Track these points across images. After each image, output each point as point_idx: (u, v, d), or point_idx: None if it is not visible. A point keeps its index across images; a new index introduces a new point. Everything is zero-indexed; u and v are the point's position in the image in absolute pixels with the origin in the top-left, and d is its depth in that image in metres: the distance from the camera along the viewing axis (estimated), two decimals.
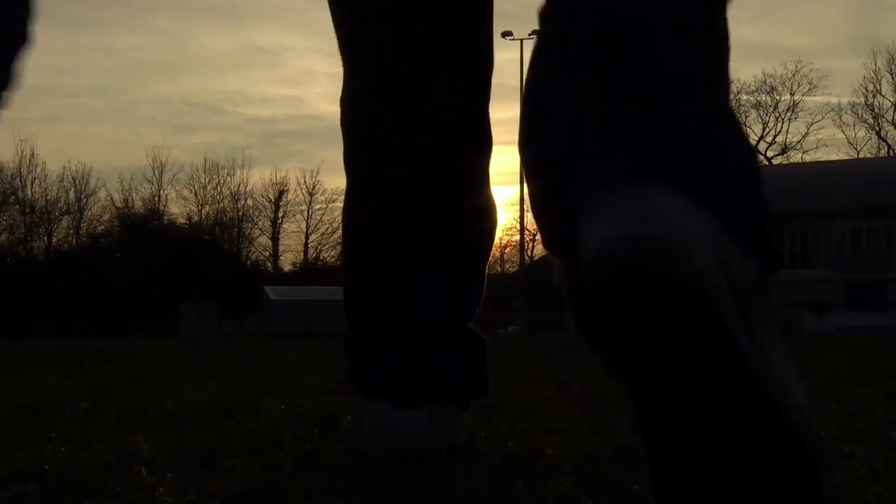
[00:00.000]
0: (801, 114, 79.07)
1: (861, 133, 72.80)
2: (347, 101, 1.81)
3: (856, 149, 53.27)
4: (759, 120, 57.02)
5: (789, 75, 60.03)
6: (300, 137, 75.55)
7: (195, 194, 51.57)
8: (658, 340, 0.84)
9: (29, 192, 48.57)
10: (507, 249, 48.41)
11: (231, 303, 44.25)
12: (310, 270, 49.16)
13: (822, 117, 79.81)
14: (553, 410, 2.45)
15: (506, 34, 39.04)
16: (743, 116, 54.88)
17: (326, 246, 51.95)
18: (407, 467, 1.60)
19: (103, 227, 50.81)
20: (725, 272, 0.84)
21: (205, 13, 76.24)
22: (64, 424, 2.26)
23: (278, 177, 70.99)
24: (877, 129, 52.54)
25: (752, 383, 0.85)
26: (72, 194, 49.56)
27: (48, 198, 49.03)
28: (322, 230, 51.48)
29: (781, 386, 0.89)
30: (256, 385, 3.55)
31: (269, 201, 51.96)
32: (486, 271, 1.83)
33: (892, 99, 52.01)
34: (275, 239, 52.19)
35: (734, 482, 0.92)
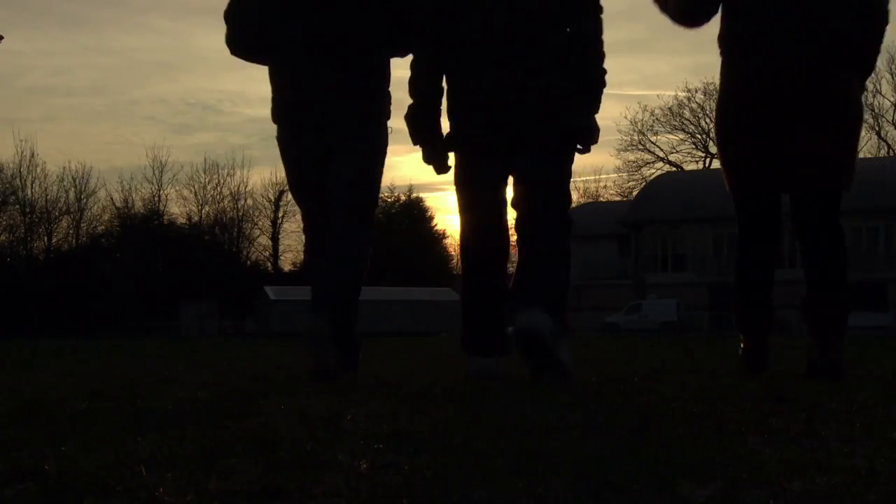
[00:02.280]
0: None
1: (861, 133, 72.87)
2: None
3: None
4: None
5: None
6: None
7: (195, 194, 51.63)
8: (531, 353, 3.52)
9: (29, 192, 48.63)
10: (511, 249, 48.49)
11: (231, 303, 44.25)
12: None
13: None
14: (553, 410, 2.45)
15: None
16: None
17: None
18: (406, 466, 1.61)
19: (103, 227, 50.84)
20: (551, 333, 3.44)
21: (203, 13, 76.22)
22: (64, 424, 2.25)
23: (278, 177, 71.08)
24: (877, 129, 52.58)
25: (554, 358, 3.50)
26: (72, 194, 49.63)
27: (48, 198, 49.09)
28: None
29: (564, 355, 3.58)
30: (256, 385, 3.54)
31: (269, 201, 52.02)
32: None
33: (892, 99, 52.13)
34: (275, 239, 52.21)
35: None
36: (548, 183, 3.67)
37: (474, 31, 3.61)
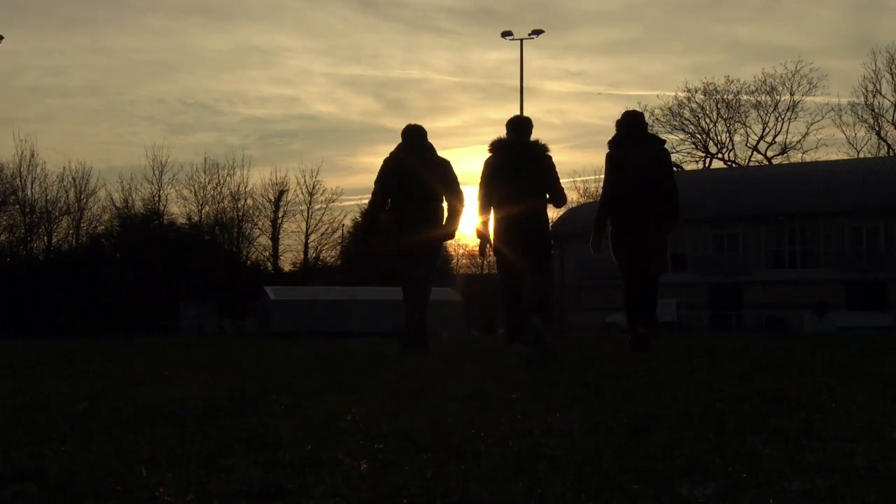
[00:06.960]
0: (801, 114, 79.03)
1: (861, 133, 72.64)
2: None
3: (856, 149, 53.26)
4: (759, 120, 57.01)
5: (789, 75, 60.10)
6: (297, 137, 75.43)
7: (195, 194, 51.58)
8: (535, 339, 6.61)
9: (29, 192, 48.60)
10: None
11: (231, 303, 44.25)
12: (309, 270, 49.15)
13: (822, 117, 79.73)
14: (553, 410, 2.45)
15: (506, 34, 39.04)
16: (743, 116, 54.99)
17: (326, 246, 51.95)
18: (406, 466, 1.61)
19: (103, 227, 50.81)
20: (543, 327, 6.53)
21: (200, 12, 76.24)
22: (64, 424, 2.25)
23: (278, 177, 71.07)
24: (877, 129, 52.52)
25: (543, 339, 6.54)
26: (72, 194, 49.59)
27: (48, 198, 49.04)
28: (322, 230, 51.44)
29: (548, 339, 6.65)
30: (256, 385, 3.54)
31: (269, 201, 51.95)
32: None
33: (892, 99, 51.99)
34: (275, 239, 52.15)
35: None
36: (542, 262, 7.01)
37: (506, 197, 6.94)
